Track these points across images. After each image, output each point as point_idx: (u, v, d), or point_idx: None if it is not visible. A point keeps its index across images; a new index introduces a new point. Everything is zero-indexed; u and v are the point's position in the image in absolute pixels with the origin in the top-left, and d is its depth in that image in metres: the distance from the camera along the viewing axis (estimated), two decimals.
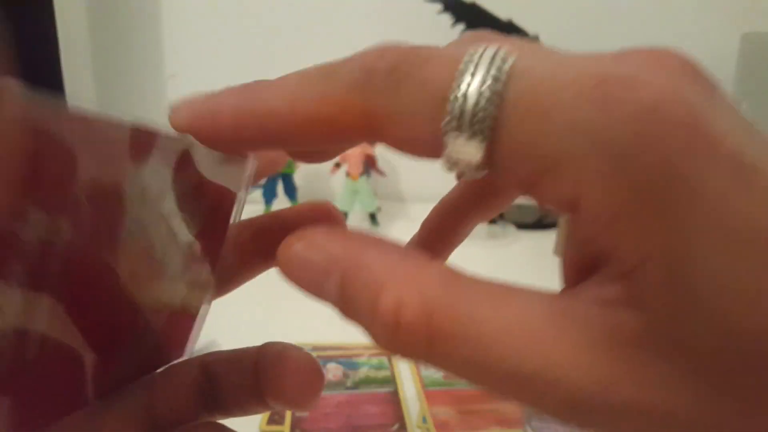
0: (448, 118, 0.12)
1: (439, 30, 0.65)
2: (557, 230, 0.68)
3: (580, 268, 0.12)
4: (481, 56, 0.12)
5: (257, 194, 0.78)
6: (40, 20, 0.58)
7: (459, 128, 0.12)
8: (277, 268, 0.14)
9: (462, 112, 0.11)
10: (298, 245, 0.13)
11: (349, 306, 0.13)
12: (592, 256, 0.12)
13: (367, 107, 0.13)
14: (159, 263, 0.15)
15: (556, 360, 0.11)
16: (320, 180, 0.87)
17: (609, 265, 0.11)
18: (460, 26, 0.69)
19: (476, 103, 0.11)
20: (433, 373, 0.43)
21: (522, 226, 0.78)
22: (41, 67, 0.59)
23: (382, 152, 0.80)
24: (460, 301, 0.12)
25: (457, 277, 0.12)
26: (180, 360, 0.18)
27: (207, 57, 0.87)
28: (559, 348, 0.11)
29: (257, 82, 0.14)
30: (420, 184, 0.91)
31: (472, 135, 0.12)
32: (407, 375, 0.42)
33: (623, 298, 0.11)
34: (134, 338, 0.16)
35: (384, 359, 0.44)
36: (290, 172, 0.78)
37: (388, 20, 0.83)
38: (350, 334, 0.49)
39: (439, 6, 0.69)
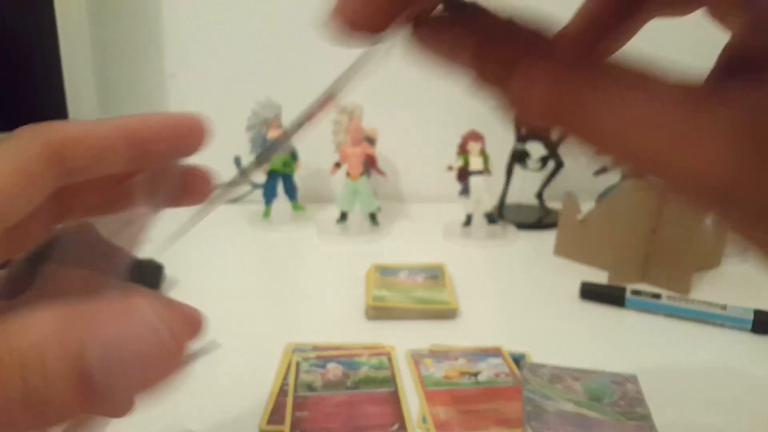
0: None
1: None
2: (557, 230, 0.68)
3: (735, 69, 0.13)
4: None
5: (257, 194, 0.78)
6: (41, 21, 0.58)
7: None
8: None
9: None
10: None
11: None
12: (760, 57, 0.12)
13: None
14: None
15: (698, 154, 0.11)
16: (320, 180, 0.87)
17: None
18: None
19: None
20: (434, 373, 0.43)
21: (522, 226, 0.78)
22: (41, 67, 0.59)
23: (382, 152, 0.80)
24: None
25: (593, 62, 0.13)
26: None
27: (207, 57, 0.88)
28: (704, 140, 0.11)
29: None
30: (420, 184, 0.91)
31: None
32: (407, 375, 0.42)
33: None
34: None
35: (384, 359, 0.44)
36: (290, 172, 0.78)
37: None
38: (350, 334, 0.49)
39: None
